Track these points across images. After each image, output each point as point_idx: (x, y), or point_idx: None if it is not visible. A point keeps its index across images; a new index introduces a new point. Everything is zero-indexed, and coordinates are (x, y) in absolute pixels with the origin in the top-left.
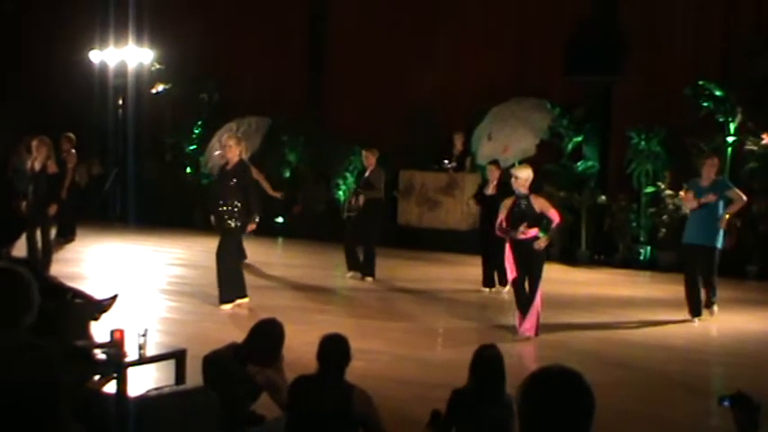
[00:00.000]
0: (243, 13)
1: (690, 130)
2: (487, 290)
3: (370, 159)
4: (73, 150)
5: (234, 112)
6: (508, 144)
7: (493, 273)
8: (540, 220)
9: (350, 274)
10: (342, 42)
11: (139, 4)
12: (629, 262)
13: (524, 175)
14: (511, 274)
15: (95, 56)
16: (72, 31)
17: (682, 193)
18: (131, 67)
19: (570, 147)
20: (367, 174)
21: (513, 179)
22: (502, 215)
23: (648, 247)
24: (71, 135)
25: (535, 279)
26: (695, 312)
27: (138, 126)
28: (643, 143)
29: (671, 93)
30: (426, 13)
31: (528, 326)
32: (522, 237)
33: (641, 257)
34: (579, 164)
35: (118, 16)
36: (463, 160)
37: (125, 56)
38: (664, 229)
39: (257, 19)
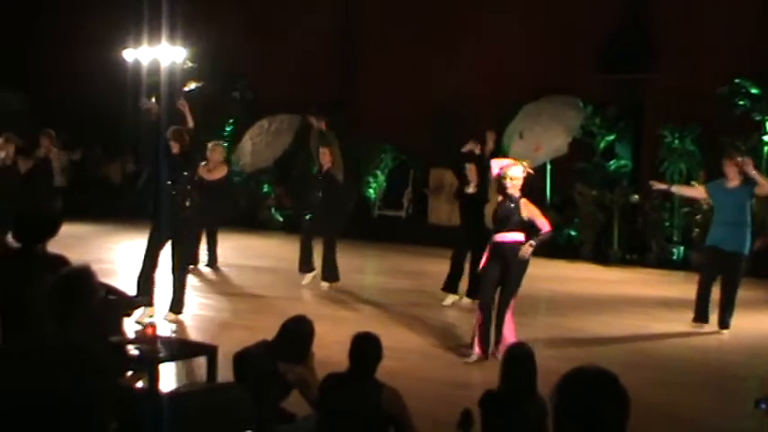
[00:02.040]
0: (274, 12)
1: (725, 128)
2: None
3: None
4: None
5: (265, 110)
6: (540, 142)
7: (456, 276)
8: (525, 226)
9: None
10: (372, 40)
11: (172, 3)
12: (662, 262)
13: (518, 175)
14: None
15: (129, 54)
16: (106, 30)
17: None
18: (164, 65)
19: (602, 145)
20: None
21: (506, 179)
22: (490, 210)
23: (682, 247)
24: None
25: (509, 292)
26: (703, 318)
27: (170, 124)
28: (677, 141)
29: (705, 91)
30: (457, 10)
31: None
32: (501, 239)
33: (674, 257)
34: (612, 162)
35: (151, 15)
36: (495, 158)
37: (158, 54)
38: (697, 229)
39: (289, 17)
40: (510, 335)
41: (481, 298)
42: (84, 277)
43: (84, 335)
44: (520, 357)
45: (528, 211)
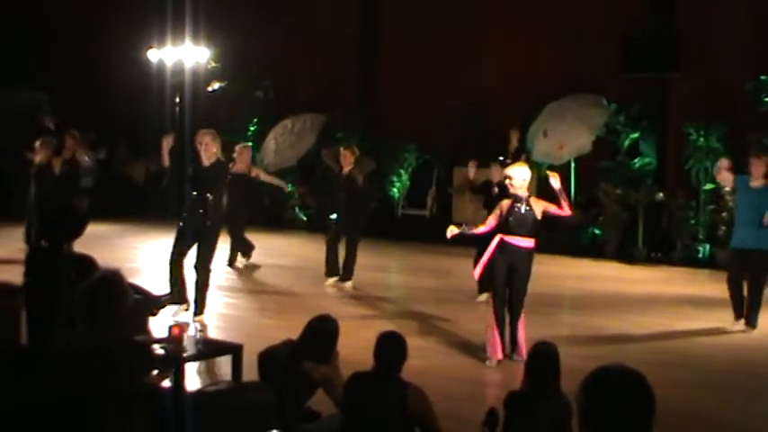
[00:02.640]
0: (297, 11)
1: (751, 126)
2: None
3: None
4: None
5: (289, 109)
6: (564, 141)
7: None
8: (539, 230)
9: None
10: (395, 38)
11: (196, 3)
12: (688, 260)
13: (521, 175)
14: (476, 275)
15: (153, 54)
16: (130, 30)
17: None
18: (188, 65)
19: (627, 143)
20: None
21: (506, 180)
22: (492, 219)
23: (707, 245)
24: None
25: (521, 296)
26: (740, 313)
27: (194, 124)
28: (702, 139)
29: (730, 88)
30: (480, 9)
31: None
32: (514, 242)
33: (700, 255)
34: (636, 161)
35: (175, 15)
36: (518, 157)
37: (182, 54)
38: (723, 227)
39: (311, 17)
40: (523, 338)
41: (495, 298)
42: (115, 281)
43: (114, 337)
44: (545, 356)
45: (541, 205)
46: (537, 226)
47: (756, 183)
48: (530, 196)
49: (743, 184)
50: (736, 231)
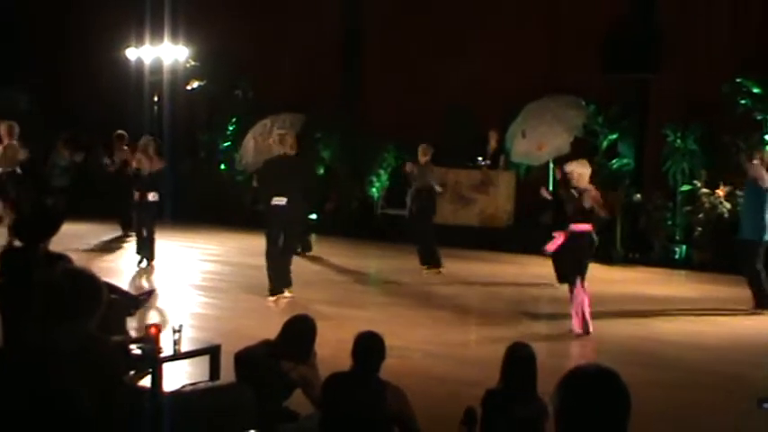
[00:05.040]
0: (277, 10)
1: (727, 127)
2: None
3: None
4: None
5: (268, 108)
6: (543, 141)
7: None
8: (590, 217)
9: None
10: (376, 38)
11: (175, 2)
12: (665, 261)
13: (580, 170)
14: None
15: (131, 53)
16: (108, 28)
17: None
18: (167, 64)
19: (605, 144)
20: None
21: (571, 174)
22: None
23: (684, 246)
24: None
25: (577, 274)
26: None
27: (173, 123)
28: (679, 141)
29: (708, 90)
30: (461, 10)
31: (575, 323)
32: (576, 228)
33: (677, 256)
34: (614, 161)
35: (153, 14)
36: (498, 158)
37: (161, 53)
38: (700, 228)
39: (292, 15)
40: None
41: (572, 281)
42: (88, 279)
43: (92, 337)
44: (521, 357)
45: (592, 198)
46: (588, 212)
47: None
48: (585, 189)
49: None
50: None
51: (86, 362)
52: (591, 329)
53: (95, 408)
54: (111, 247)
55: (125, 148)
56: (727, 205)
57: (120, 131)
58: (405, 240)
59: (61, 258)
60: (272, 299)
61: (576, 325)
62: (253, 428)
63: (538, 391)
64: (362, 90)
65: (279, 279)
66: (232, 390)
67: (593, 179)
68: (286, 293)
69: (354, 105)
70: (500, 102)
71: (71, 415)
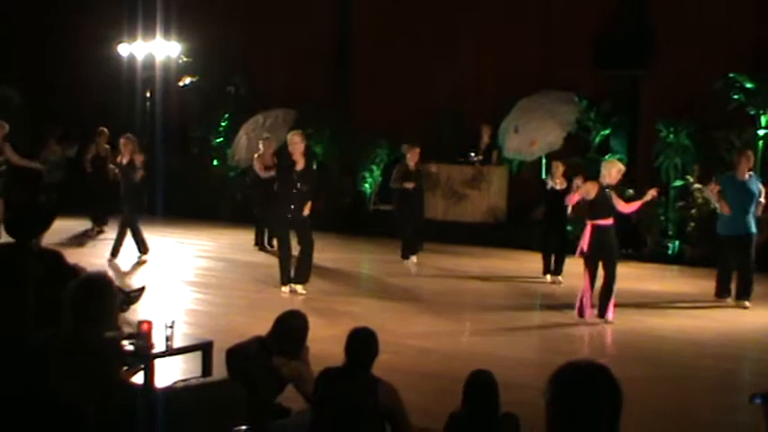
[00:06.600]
0: (269, 6)
1: (720, 123)
2: (547, 278)
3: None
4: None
5: (261, 104)
6: (535, 137)
7: (550, 261)
8: (614, 212)
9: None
10: (368, 34)
11: None
12: (657, 256)
13: (612, 169)
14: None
15: (124, 49)
16: (100, 24)
17: (711, 185)
18: (159, 59)
19: (597, 140)
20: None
21: (606, 171)
22: (577, 196)
23: (677, 242)
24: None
25: (611, 266)
26: (722, 293)
27: (165, 119)
28: (671, 136)
29: (700, 85)
30: (453, 5)
31: (609, 313)
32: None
33: (669, 252)
34: (607, 157)
35: (146, 9)
36: (490, 153)
37: (153, 49)
38: (692, 223)
39: (284, 12)
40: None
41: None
42: (103, 282)
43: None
44: (482, 385)
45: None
46: (612, 208)
47: (744, 176)
48: (608, 188)
49: (731, 183)
50: (720, 219)
51: (82, 359)
52: (586, 315)
53: (90, 404)
54: (104, 242)
55: (107, 146)
56: None
57: (102, 128)
58: (396, 235)
59: (54, 254)
60: (284, 289)
61: (587, 313)
62: (245, 425)
63: (500, 414)
64: (354, 85)
65: (298, 274)
66: (224, 386)
67: (585, 175)
68: (299, 289)
69: (346, 101)
70: (493, 97)
71: (65, 411)
